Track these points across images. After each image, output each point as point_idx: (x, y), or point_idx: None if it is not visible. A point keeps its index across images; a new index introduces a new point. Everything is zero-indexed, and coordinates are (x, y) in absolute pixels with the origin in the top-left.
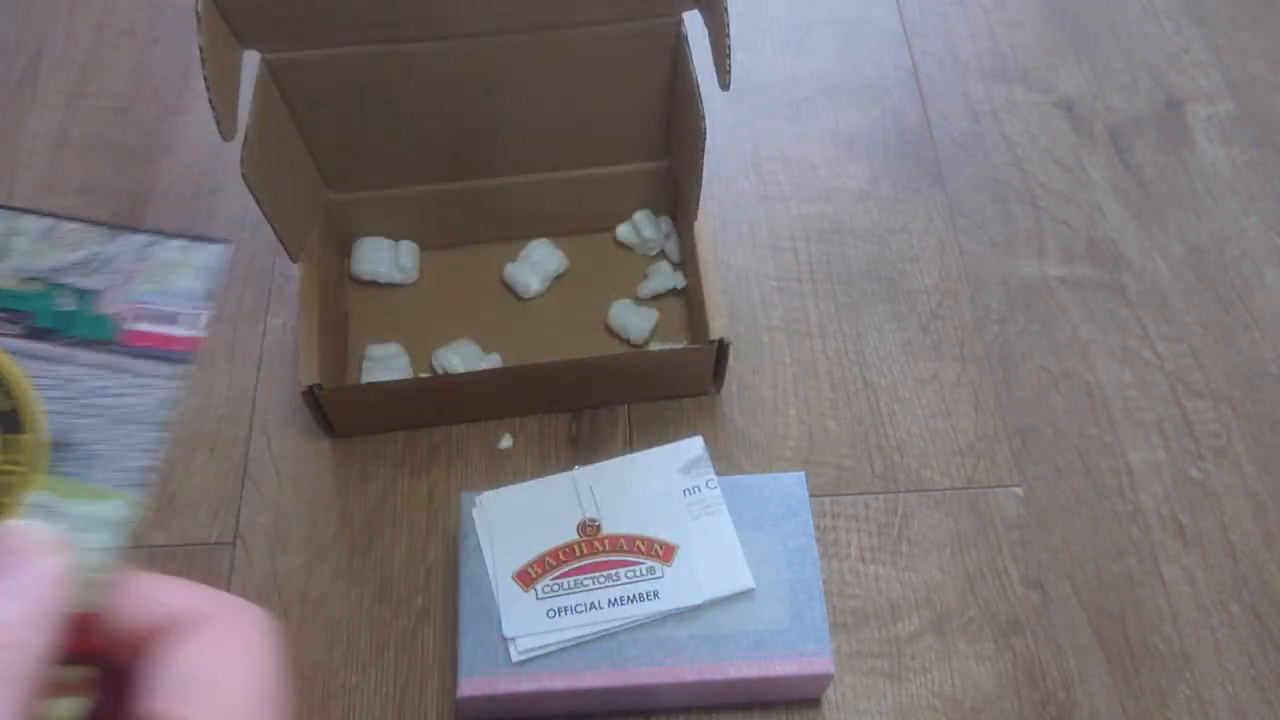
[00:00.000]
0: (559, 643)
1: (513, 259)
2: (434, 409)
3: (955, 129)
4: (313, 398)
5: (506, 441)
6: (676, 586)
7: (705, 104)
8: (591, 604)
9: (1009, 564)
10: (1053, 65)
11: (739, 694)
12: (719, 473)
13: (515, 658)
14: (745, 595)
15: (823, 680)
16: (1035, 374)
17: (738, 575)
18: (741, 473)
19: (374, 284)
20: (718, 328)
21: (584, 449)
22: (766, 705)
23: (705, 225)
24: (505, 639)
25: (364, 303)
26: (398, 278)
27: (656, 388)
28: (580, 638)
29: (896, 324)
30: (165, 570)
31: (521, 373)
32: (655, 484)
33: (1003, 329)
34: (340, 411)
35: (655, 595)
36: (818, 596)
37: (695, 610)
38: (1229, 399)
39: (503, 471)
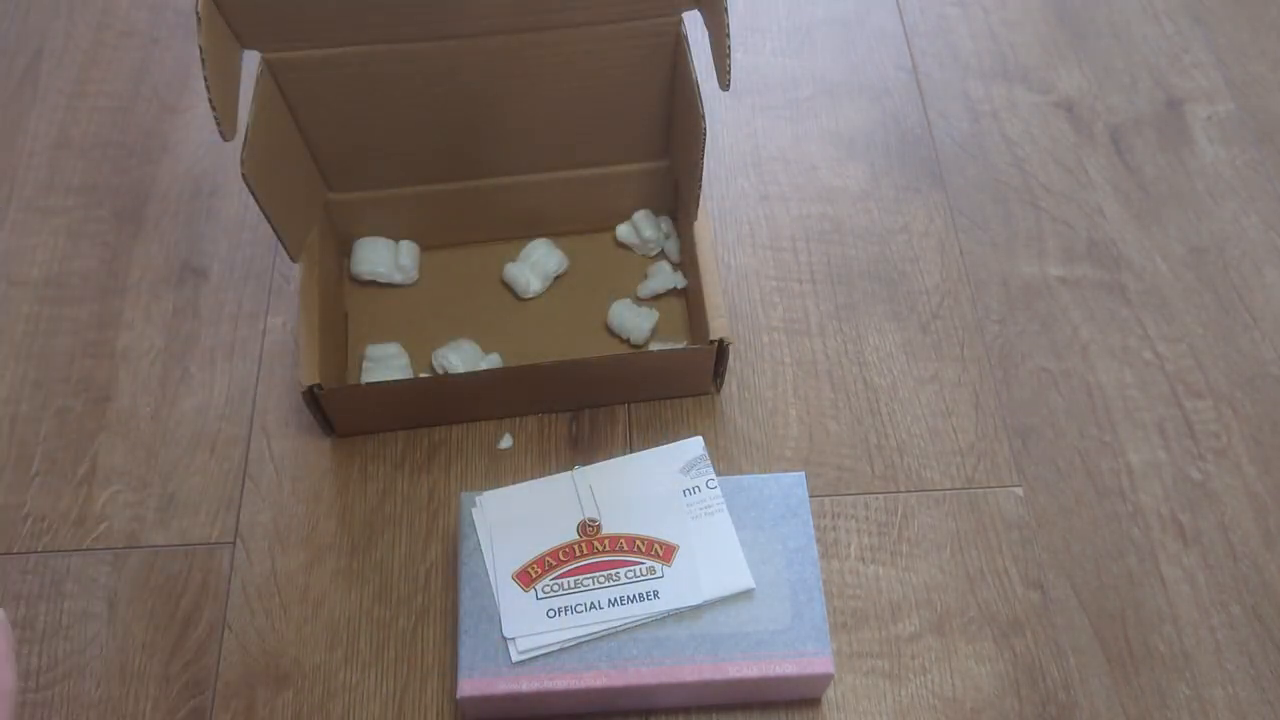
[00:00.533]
0: (559, 643)
1: (513, 259)
2: (434, 409)
3: (955, 129)
4: (313, 398)
5: (506, 441)
6: (676, 586)
7: (705, 104)
8: (591, 604)
9: (1009, 564)
10: (1053, 65)
11: (739, 694)
12: (719, 473)
13: (515, 658)
14: (745, 595)
15: (823, 680)
16: (1035, 374)
17: (738, 575)
18: (741, 473)
19: (374, 284)
20: (718, 328)
21: (584, 449)
22: (766, 705)
23: (705, 225)
24: (505, 639)
25: (364, 303)
26: (398, 278)
27: (656, 388)
28: (580, 638)
29: (896, 324)
30: (166, 570)
31: (521, 373)
32: (655, 484)
33: (1003, 329)
34: (340, 411)
35: (655, 595)
36: (818, 596)
37: (695, 610)
38: (1229, 399)
39: (503, 471)
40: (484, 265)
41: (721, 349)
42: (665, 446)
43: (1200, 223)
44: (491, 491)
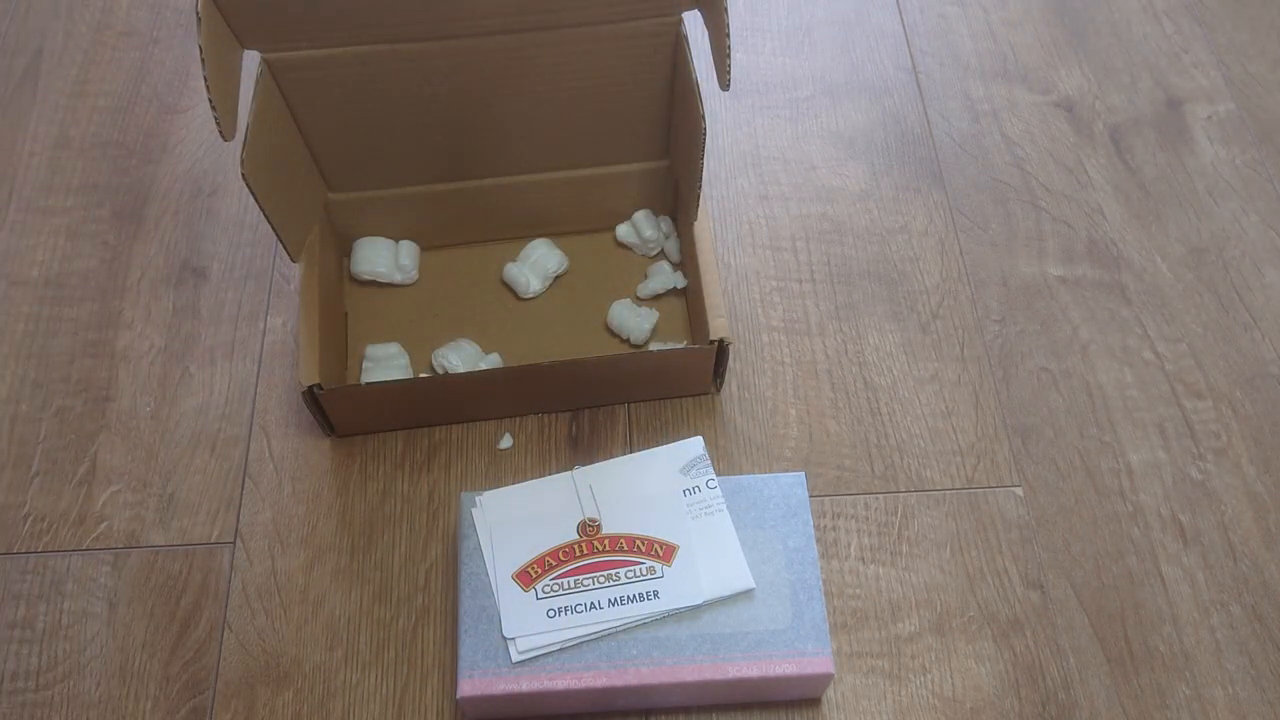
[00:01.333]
0: (559, 643)
1: (513, 259)
2: (434, 409)
3: (955, 129)
4: (312, 398)
5: (506, 441)
6: (676, 586)
7: (705, 104)
8: (591, 604)
9: (1009, 564)
10: (1053, 65)
11: (739, 694)
12: (719, 473)
13: (515, 658)
14: (745, 595)
15: (823, 680)
16: (1035, 374)
17: (738, 575)
18: (741, 473)
19: (374, 284)
20: (718, 328)
21: (584, 449)
22: (766, 705)
23: (705, 225)
24: (505, 639)
25: (364, 303)
26: (398, 278)
27: (656, 388)
28: (580, 638)
29: (896, 324)
30: (166, 570)
31: (521, 373)
32: (655, 484)
33: (1003, 329)
34: (340, 411)
35: (655, 595)
36: (818, 596)
37: (695, 610)
38: (1229, 399)
39: (503, 471)
40: (484, 265)
41: (721, 349)
42: (665, 446)
43: (1200, 223)
44: (491, 491)
